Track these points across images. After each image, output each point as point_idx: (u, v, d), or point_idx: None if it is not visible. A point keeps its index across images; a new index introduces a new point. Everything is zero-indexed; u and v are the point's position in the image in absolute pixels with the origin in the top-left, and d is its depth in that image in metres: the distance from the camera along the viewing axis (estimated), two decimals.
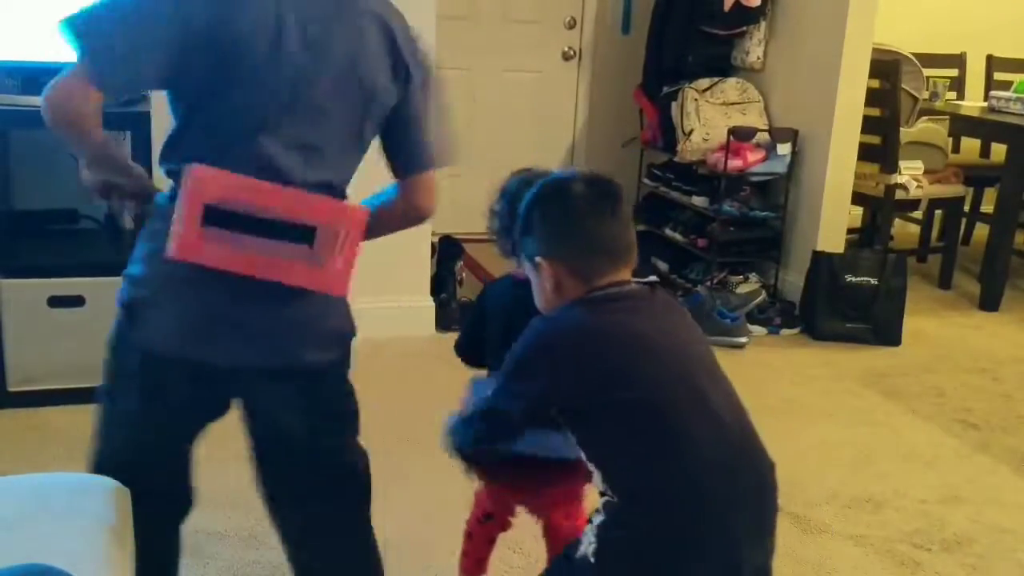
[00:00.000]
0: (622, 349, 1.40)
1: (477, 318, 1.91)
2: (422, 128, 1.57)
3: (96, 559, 1.27)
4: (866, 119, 4.13)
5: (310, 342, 1.54)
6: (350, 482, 1.72)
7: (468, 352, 1.94)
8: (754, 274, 4.21)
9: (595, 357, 1.39)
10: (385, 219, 1.59)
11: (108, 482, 1.45)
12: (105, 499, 1.39)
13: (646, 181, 4.79)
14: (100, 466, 1.59)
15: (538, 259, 1.47)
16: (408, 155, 1.58)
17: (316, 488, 1.67)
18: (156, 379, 1.54)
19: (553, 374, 1.41)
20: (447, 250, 4.11)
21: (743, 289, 4.06)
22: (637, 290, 1.48)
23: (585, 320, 1.43)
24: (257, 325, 1.49)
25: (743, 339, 3.84)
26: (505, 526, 2.01)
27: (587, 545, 1.40)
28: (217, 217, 1.37)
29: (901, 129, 4.27)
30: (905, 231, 5.34)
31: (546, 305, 1.51)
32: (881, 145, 4.24)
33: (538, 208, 1.51)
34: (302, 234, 1.40)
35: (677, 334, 1.47)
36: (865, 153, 4.19)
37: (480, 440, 1.58)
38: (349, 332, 1.63)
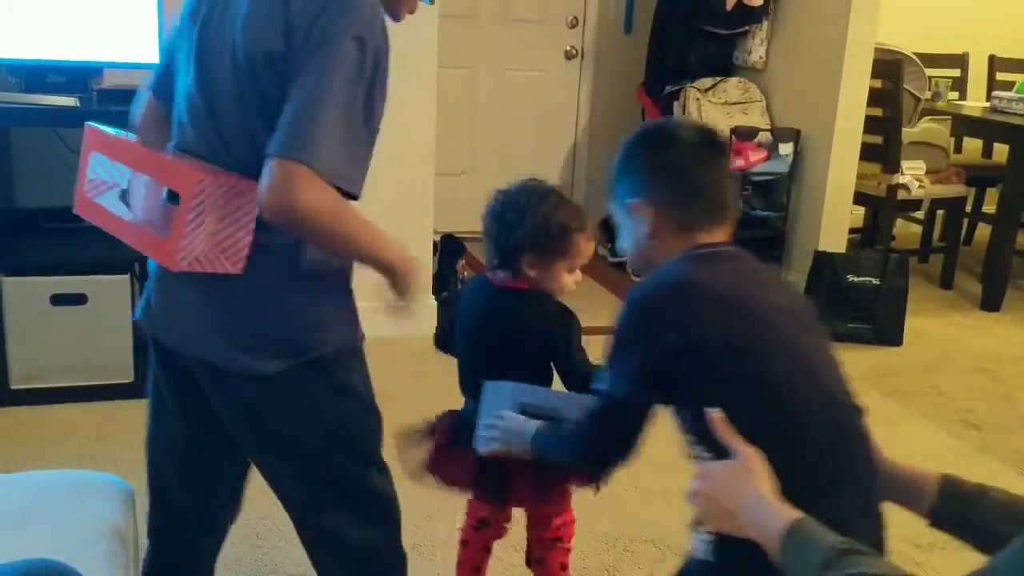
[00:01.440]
0: (731, 313, 1.26)
1: (450, 314, 1.92)
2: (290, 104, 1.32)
3: (99, 557, 1.27)
4: (868, 119, 4.13)
5: (236, 340, 1.40)
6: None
7: (442, 347, 1.96)
8: None
9: (702, 316, 1.26)
10: None
11: (112, 480, 1.45)
12: (109, 497, 1.40)
13: None
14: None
15: (636, 201, 1.36)
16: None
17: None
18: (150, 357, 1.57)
19: (651, 335, 1.28)
20: (449, 249, 4.11)
21: None
22: (738, 251, 1.35)
23: (690, 274, 1.30)
24: (184, 306, 1.43)
25: None
26: (501, 532, 2.00)
27: (700, 544, 1.29)
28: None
29: (903, 129, 4.26)
30: (907, 231, 5.33)
31: (638, 257, 1.41)
32: (883, 145, 4.24)
33: (642, 147, 1.40)
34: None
35: (779, 295, 1.36)
36: (867, 153, 4.19)
37: (599, 454, 1.46)
38: (302, 342, 1.43)
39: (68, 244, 2.98)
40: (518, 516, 2.02)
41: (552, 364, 1.80)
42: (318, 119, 1.27)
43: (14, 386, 2.88)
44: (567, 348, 1.77)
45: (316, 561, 1.61)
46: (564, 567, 1.95)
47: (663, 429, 2.98)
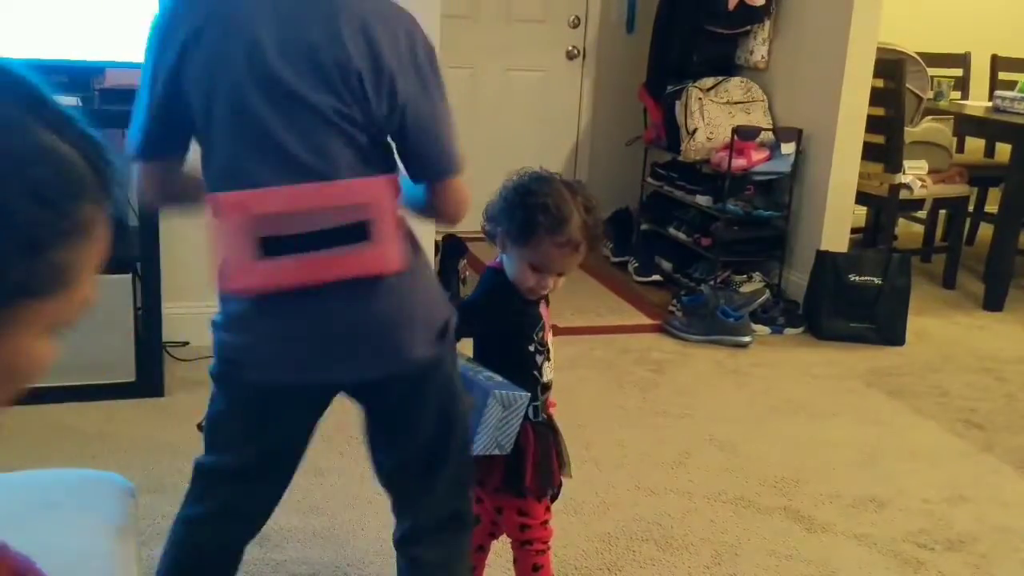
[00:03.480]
0: None
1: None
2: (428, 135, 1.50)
3: (101, 556, 1.27)
4: (870, 118, 4.12)
5: (397, 342, 1.48)
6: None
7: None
8: (758, 273, 4.21)
9: None
10: (418, 207, 1.57)
11: (115, 479, 1.45)
12: (112, 497, 1.39)
13: (650, 180, 4.79)
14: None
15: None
16: (420, 163, 1.52)
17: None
18: (256, 407, 1.54)
19: None
20: (451, 248, 4.11)
21: (747, 288, 4.06)
22: None
23: None
24: (338, 335, 1.45)
25: (747, 338, 3.83)
26: (496, 532, 1.99)
27: None
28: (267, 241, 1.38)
29: (905, 129, 4.26)
30: (909, 231, 5.33)
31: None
32: (885, 144, 4.23)
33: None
34: (349, 228, 1.39)
35: None
36: (869, 152, 4.18)
37: None
38: (441, 318, 1.54)
39: None
40: None
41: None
42: (451, 134, 1.50)
43: None
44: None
45: (433, 546, 1.66)
46: (537, 568, 1.93)
47: (654, 429, 3.00)
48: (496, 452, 1.73)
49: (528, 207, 1.69)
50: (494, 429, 1.71)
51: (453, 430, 1.61)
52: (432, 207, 1.55)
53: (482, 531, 1.98)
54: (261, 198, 1.35)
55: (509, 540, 1.96)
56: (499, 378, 1.74)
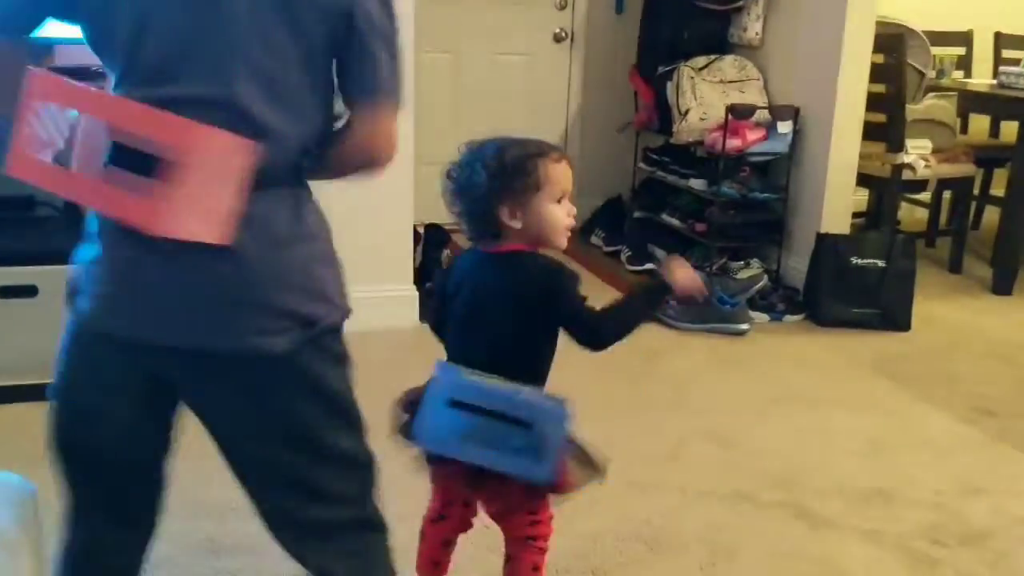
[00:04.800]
0: None
1: (440, 289, 1.77)
2: (371, 49, 1.31)
3: None
4: (870, 96, 3.94)
5: (238, 319, 1.25)
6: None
7: (438, 331, 1.81)
8: (755, 259, 4.01)
9: None
10: (333, 155, 1.35)
11: (12, 480, 1.26)
12: (3, 503, 1.20)
13: (642, 165, 4.60)
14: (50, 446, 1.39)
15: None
16: (355, 78, 1.33)
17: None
18: (82, 355, 1.35)
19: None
20: (433, 238, 3.94)
21: (744, 274, 3.87)
22: None
23: None
24: (162, 288, 1.24)
25: (744, 326, 3.64)
26: (463, 526, 1.84)
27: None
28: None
29: (907, 106, 4.07)
30: (912, 216, 5.14)
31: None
32: (886, 123, 4.05)
33: None
34: (142, 157, 1.16)
35: None
36: (870, 132, 3.99)
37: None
38: (314, 314, 1.31)
39: (17, 234, 2.79)
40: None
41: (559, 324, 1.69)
42: (394, 55, 1.32)
43: None
44: (567, 299, 1.67)
45: (304, 551, 1.43)
46: (536, 568, 1.76)
47: (645, 421, 2.78)
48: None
49: (513, 157, 1.63)
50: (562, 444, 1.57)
51: (317, 449, 1.37)
52: (346, 147, 1.34)
53: (452, 526, 1.83)
54: (70, 94, 1.20)
55: (505, 539, 1.79)
56: (520, 386, 1.59)
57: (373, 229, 3.39)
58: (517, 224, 1.63)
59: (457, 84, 4.73)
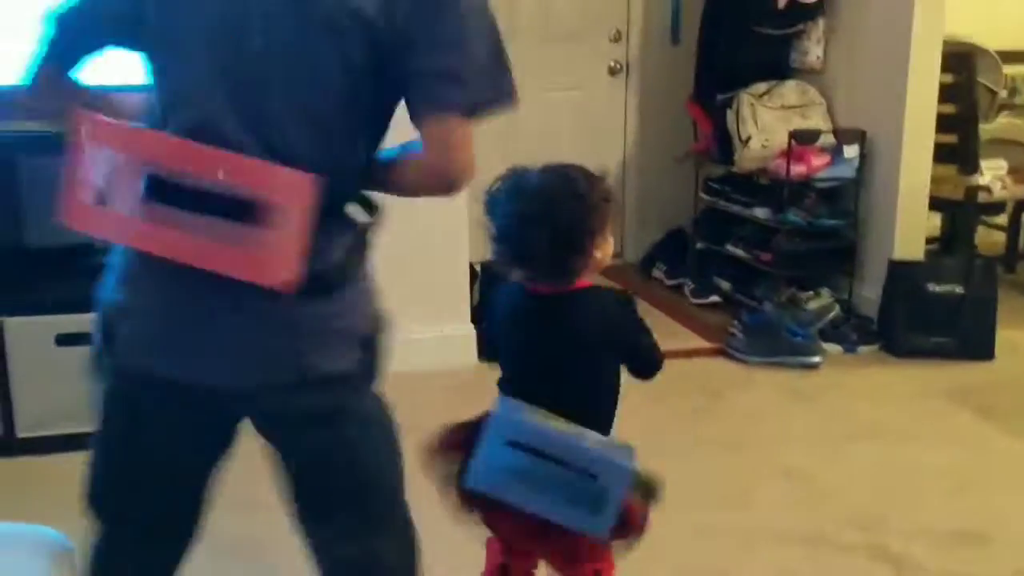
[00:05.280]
0: None
1: (487, 319, 1.71)
2: (424, 52, 1.19)
3: None
4: (940, 117, 3.79)
5: (303, 349, 1.23)
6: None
7: (490, 354, 1.79)
8: (826, 289, 3.86)
9: None
10: (400, 172, 1.29)
11: (45, 533, 1.21)
12: (34, 555, 1.15)
13: (703, 196, 4.50)
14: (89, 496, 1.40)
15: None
16: (414, 91, 1.22)
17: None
18: (132, 401, 1.32)
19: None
20: (491, 278, 3.87)
21: (814, 305, 3.73)
22: None
23: None
24: (225, 330, 1.22)
25: (816, 358, 3.50)
26: None
27: None
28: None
29: (980, 126, 3.92)
30: (988, 240, 4.92)
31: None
32: (958, 144, 3.90)
33: None
34: (231, 206, 1.13)
35: None
36: (941, 154, 3.84)
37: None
38: (367, 332, 1.30)
39: (74, 281, 2.79)
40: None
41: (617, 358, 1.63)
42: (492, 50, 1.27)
43: (22, 434, 2.69)
44: (643, 334, 1.63)
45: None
46: None
47: (710, 461, 2.63)
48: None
49: (603, 183, 1.56)
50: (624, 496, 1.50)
51: (371, 469, 1.37)
52: (413, 166, 1.26)
53: None
54: (137, 139, 1.16)
55: None
56: (585, 431, 1.52)
57: (429, 268, 3.35)
58: (599, 255, 1.55)
59: (511, 120, 4.66)
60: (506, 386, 1.64)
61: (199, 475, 1.40)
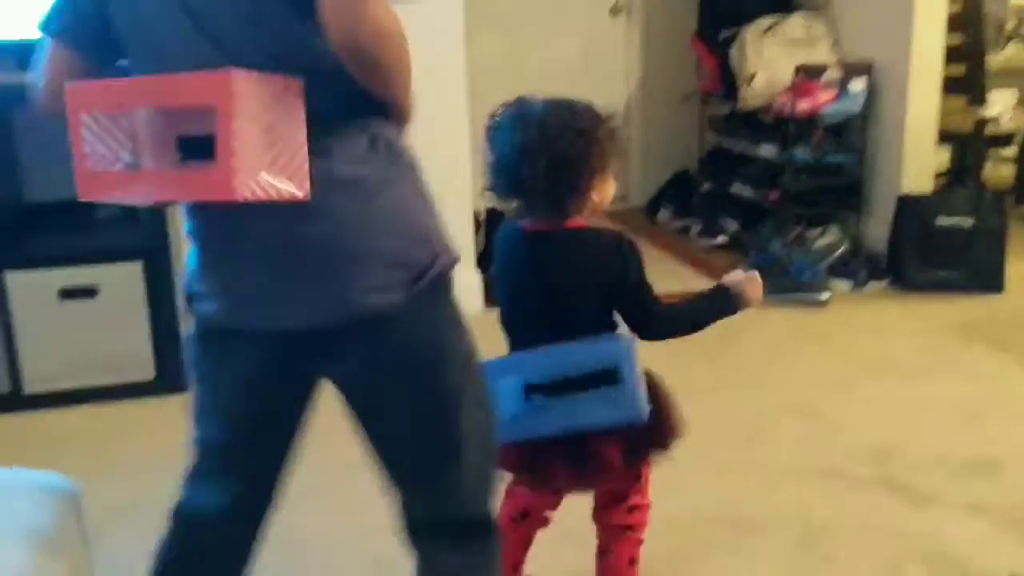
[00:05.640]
0: None
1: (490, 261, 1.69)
2: None
3: (11, 571, 1.01)
4: (948, 48, 3.72)
5: (345, 283, 1.15)
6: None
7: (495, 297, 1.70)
8: (834, 226, 3.82)
9: None
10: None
11: (50, 480, 1.19)
12: (44, 503, 1.14)
13: (708, 136, 4.44)
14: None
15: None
16: None
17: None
18: (209, 352, 1.29)
19: None
20: (495, 222, 3.84)
21: (822, 242, 3.69)
22: None
23: None
24: (262, 272, 1.17)
25: (825, 295, 3.48)
26: (544, 522, 1.74)
27: None
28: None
29: (988, 56, 3.84)
30: (997, 174, 4.86)
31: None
32: (966, 75, 3.82)
33: None
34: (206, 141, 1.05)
35: None
36: (949, 85, 3.77)
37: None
38: (421, 260, 1.18)
39: (76, 234, 2.76)
40: (568, 503, 1.73)
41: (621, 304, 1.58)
42: None
43: (29, 390, 2.68)
44: (640, 281, 1.56)
45: (454, 554, 1.34)
46: (633, 561, 1.66)
47: (725, 400, 2.61)
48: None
49: (609, 121, 1.54)
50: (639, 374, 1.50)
51: (453, 411, 1.26)
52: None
53: (535, 524, 1.74)
54: (107, 94, 1.11)
55: (600, 532, 1.71)
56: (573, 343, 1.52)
57: None
58: (596, 197, 1.52)
59: (513, 66, 4.61)
60: (505, 326, 1.62)
61: (279, 428, 1.34)
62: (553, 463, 1.55)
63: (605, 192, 1.53)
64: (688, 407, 2.73)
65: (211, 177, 1.05)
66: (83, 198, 1.15)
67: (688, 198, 4.50)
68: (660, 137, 4.76)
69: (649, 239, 4.31)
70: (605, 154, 1.50)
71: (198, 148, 1.06)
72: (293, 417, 1.33)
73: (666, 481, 2.26)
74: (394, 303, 1.15)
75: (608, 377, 1.46)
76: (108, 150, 1.12)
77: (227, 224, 1.15)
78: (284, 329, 1.18)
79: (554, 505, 1.73)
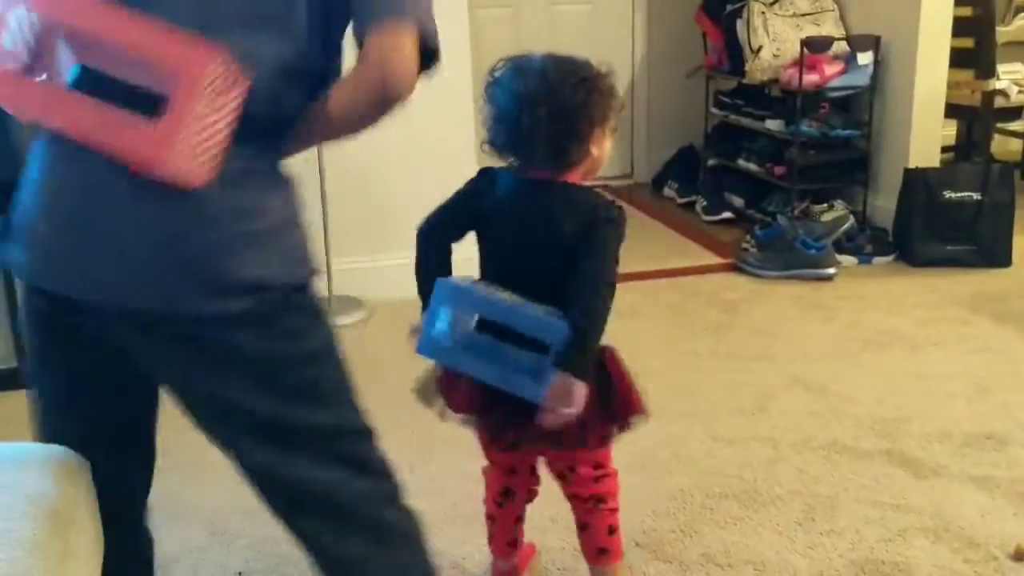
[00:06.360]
0: None
1: (460, 206, 1.57)
2: None
3: (22, 545, 1.02)
4: (956, 20, 3.69)
5: (185, 276, 1.09)
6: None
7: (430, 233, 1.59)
8: (840, 200, 3.80)
9: None
10: (335, 97, 1.18)
11: (62, 453, 1.19)
12: (52, 475, 1.14)
13: (714, 110, 4.42)
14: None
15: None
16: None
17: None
18: (29, 309, 1.21)
19: None
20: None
21: (828, 217, 3.68)
22: None
23: None
24: (111, 238, 1.09)
25: (831, 270, 3.46)
26: (530, 497, 1.74)
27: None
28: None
29: (997, 29, 3.81)
30: (1005, 148, 4.85)
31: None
32: (975, 48, 3.80)
33: None
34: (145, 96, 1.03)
35: None
36: (957, 59, 3.75)
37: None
38: (270, 278, 1.14)
39: None
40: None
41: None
42: None
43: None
44: (607, 250, 1.47)
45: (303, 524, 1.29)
46: (613, 530, 1.65)
47: (729, 373, 2.60)
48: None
49: (608, 76, 1.51)
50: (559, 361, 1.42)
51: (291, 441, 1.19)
52: (357, 79, 1.14)
53: (520, 502, 1.73)
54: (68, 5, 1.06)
55: (573, 507, 1.68)
56: (528, 302, 1.45)
57: (434, 194, 3.29)
58: (596, 150, 1.50)
59: (517, 38, 4.59)
60: (481, 269, 1.57)
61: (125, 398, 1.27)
62: (504, 408, 1.51)
63: (603, 148, 1.51)
64: (694, 381, 2.74)
65: (143, 134, 1.02)
66: None
67: (694, 173, 4.48)
68: (665, 112, 4.74)
69: (655, 214, 4.30)
70: (605, 107, 1.48)
71: (128, 95, 1.04)
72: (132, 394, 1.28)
73: (671, 455, 2.27)
74: (231, 310, 1.11)
75: (540, 348, 1.43)
76: (12, 46, 1.07)
77: (95, 181, 1.08)
78: (96, 300, 1.12)
79: (535, 481, 1.72)
